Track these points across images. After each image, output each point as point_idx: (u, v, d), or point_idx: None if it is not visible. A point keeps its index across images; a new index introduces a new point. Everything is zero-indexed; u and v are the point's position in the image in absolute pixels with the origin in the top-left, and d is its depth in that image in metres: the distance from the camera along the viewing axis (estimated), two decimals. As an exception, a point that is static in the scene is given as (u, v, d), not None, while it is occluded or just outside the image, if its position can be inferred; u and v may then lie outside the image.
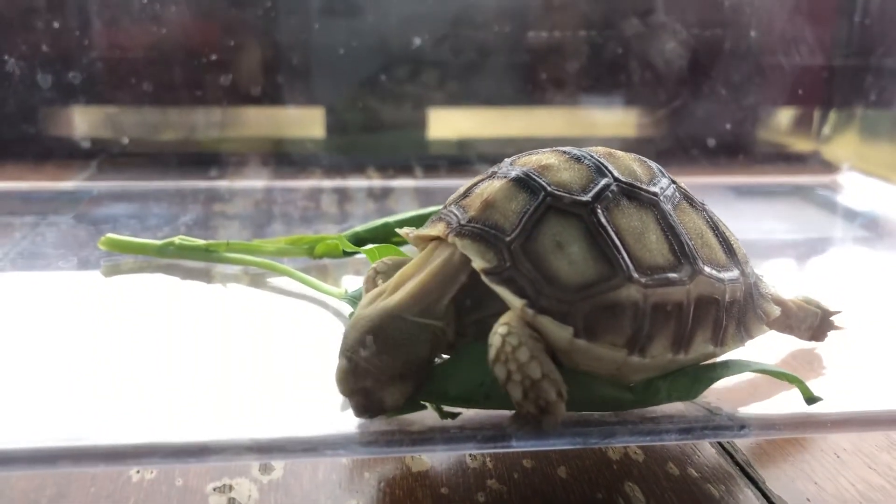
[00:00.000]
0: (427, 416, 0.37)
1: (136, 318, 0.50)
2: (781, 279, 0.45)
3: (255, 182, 0.82)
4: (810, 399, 0.38)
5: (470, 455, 0.40)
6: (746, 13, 0.87)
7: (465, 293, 0.37)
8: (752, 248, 0.43)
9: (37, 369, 0.43)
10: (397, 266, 0.40)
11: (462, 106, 0.92)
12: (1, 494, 0.36)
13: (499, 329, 0.34)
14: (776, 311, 0.41)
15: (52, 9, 0.78)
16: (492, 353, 0.34)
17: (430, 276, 0.37)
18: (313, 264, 0.58)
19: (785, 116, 0.95)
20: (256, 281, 0.56)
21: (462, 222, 0.37)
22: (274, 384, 0.42)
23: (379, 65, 0.86)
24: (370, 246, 0.48)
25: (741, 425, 0.38)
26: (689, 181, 0.42)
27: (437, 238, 0.38)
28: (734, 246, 0.41)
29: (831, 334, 0.47)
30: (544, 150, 0.40)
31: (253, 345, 0.47)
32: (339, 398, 0.40)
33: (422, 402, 0.36)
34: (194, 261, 0.57)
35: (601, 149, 0.40)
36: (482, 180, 0.39)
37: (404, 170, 0.88)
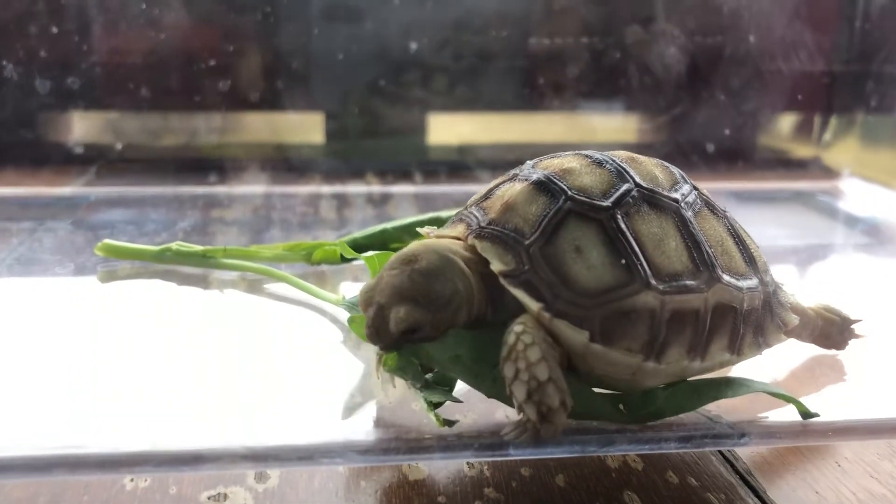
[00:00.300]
0: (424, 424, 0.37)
1: (132, 325, 0.50)
2: (783, 285, 0.45)
3: (253, 188, 0.82)
4: (806, 414, 0.38)
5: (468, 463, 0.39)
6: (747, 19, 0.87)
7: (488, 291, 0.37)
8: (757, 250, 0.42)
9: (32, 376, 0.43)
10: None
11: (462, 111, 0.92)
12: (-6, 503, 0.36)
13: (514, 327, 0.34)
14: (795, 320, 0.41)
15: (51, 14, 0.78)
16: (504, 350, 0.34)
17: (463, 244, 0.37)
18: (311, 270, 0.58)
19: (785, 122, 0.95)
20: (254, 287, 0.55)
21: (482, 224, 0.37)
22: (270, 391, 0.42)
23: (378, 70, 0.86)
24: (369, 253, 0.48)
25: (741, 434, 0.38)
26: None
27: (457, 239, 0.38)
28: (754, 254, 0.40)
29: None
30: (566, 153, 0.40)
31: (249, 351, 0.46)
32: (336, 405, 0.40)
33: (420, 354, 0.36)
34: (192, 267, 0.57)
35: (623, 153, 0.40)
36: (503, 182, 0.39)
37: (404, 175, 0.87)
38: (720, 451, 0.41)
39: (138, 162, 0.84)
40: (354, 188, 0.83)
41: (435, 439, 0.36)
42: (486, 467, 0.39)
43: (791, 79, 0.89)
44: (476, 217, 0.38)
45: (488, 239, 0.36)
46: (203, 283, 0.56)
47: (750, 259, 0.40)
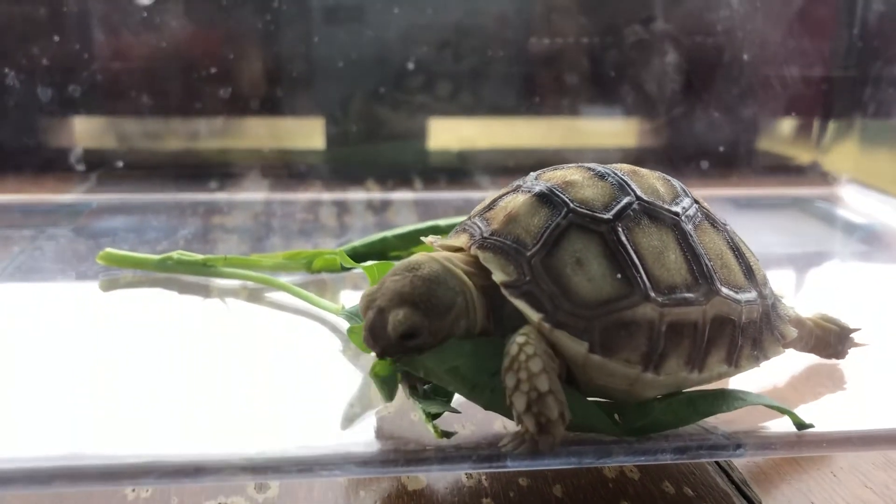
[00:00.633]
0: (423, 436, 0.37)
1: (133, 334, 0.50)
2: (781, 293, 0.45)
3: (254, 194, 0.82)
4: (801, 425, 0.38)
5: (466, 473, 0.40)
6: (746, 25, 0.87)
7: (489, 302, 0.38)
8: (754, 260, 0.43)
9: (32, 386, 0.43)
10: None
11: (462, 116, 0.93)
12: (-4, 514, 0.37)
13: (517, 338, 0.35)
14: (793, 333, 0.41)
15: (53, 21, 0.78)
16: (506, 361, 0.34)
17: (464, 256, 0.38)
18: (311, 279, 0.58)
19: (784, 127, 0.95)
20: (254, 296, 0.56)
21: (485, 235, 0.37)
22: (270, 401, 0.42)
23: (379, 75, 0.87)
24: (369, 262, 0.48)
25: (737, 445, 0.38)
26: (689, 193, 0.43)
27: (460, 249, 0.39)
28: (753, 267, 0.41)
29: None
30: (569, 165, 0.41)
31: (250, 361, 0.47)
32: (335, 415, 0.40)
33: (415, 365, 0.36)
34: (192, 275, 0.57)
35: (625, 166, 0.40)
36: (506, 193, 0.40)
37: (404, 182, 0.88)
38: (716, 461, 0.42)
39: (139, 168, 0.84)
40: (354, 195, 0.84)
41: (433, 451, 0.37)
42: (484, 478, 0.39)
43: (789, 84, 0.89)
44: (479, 227, 0.38)
45: (491, 250, 0.37)
46: (204, 291, 0.56)
47: (749, 272, 0.40)
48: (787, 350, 0.42)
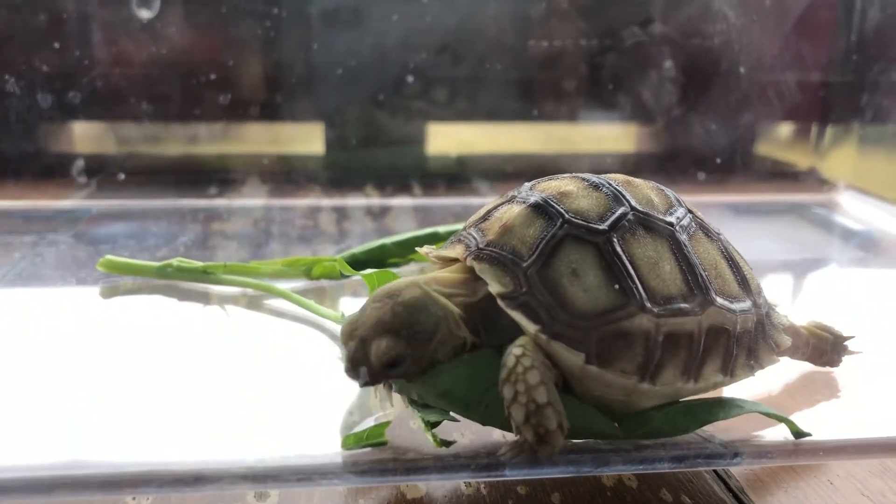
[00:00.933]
0: (422, 444, 0.38)
1: (133, 341, 0.50)
2: (778, 300, 0.45)
3: (253, 200, 0.83)
4: (798, 434, 0.39)
5: (465, 482, 0.40)
6: (744, 30, 0.88)
7: (483, 317, 0.38)
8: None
9: (32, 394, 0.43)
10: None
11: (461, 121, 0.93)
12: (-4, 523, 0.37)
13: (514, 350, 0.35)
14: (787, 341, 0.42)
15: (53, 27, 0.79)
16: (503, 373, 0.34)
17: (456, 278, 0.38)
18: (311, 286, 0.59)
19: (782, 133, 0.95)
20: (254, 303, 0.56)
21: (480, 246, 0.37)
22: (269, 409, 0.42)
23: (378, 81, 0.87)
24: (368, 271, 0.49)
25: (735, 453, 0.38)
26: (686, 200, 0.43)
27: (455, 260, 0.39)
28: (747, 276, 0.41)
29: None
30: (563, 175, 0.41)
31: (249, 368, 0.47)
32: (335, 423, 0.40)
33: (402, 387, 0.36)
34: (192, 282, 0.57)
35: (619, 176, 0.41)
36: (501, 204, 0.40)
37: (403, 188, 0.88)
38: (714, 470, 0.42)
39: (139, 174, 0.84)
40: (354, 201, 0.84)
41: (432, 459, 0.37)
42: (482, 486, 0.40)
43: (787, 90, 0.89)
44: (474, 238, 0.38)
45: (487, 261, 0.37)
46: (204, 298, 0.56)
47: (743, 281, 0.40)
48: (781, 358, 0.42)
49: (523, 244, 0.37)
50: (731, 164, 0.91)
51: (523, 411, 0.34)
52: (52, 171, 0.83)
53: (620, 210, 0.38)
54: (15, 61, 0.78)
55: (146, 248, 0.66)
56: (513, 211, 0.38)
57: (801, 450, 0.39)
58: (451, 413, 0.37)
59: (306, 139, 0.90)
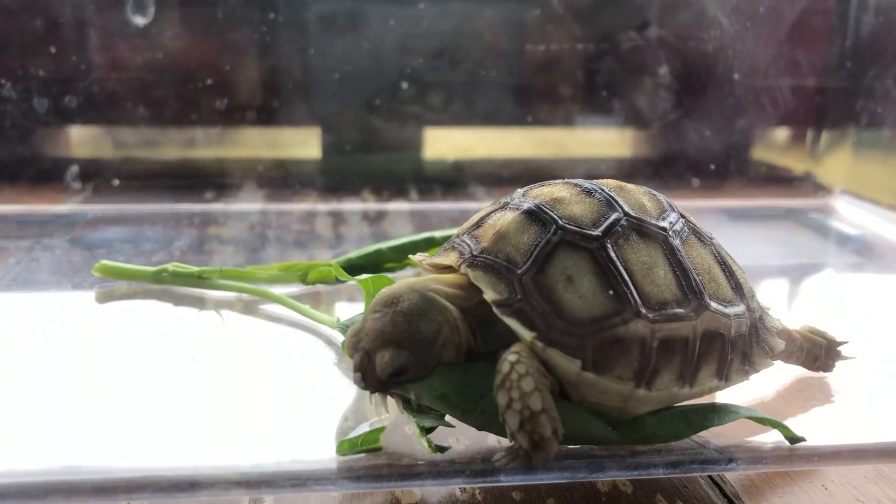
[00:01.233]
0: (417, 450, 0.38)
1: (127, 346, 0.50)
2: (774, 305, 0.45)
3: (249, 205, 0.83)
4: (792, 439, 0.39)
5: (460, 488, 0.40)
6: (739, 36, 0.88)
7: (478, 324, 0.38)
8: (746, 273, 0.43)
9: (26, 400, 0.43)
10: None
11: (458, 126, 0.93)
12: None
13: (508, 356, 0.35)
14: (781, 345, 0.42)
15: (49, 32, 0.79)
16: (498, 379, 0.34)
17: (453, 279, 0.38)
18: (306, 290, 0.59)
19: (777, 138, 0.96)
20: (250, 308, 0.56)
21: (474, 253, 0.37)
22: (265, 414, 0.42)
23: (375, 86, 0.87)
24: (364, 276, 0.49)
25: (729, 459, 0.38)
26: (681, 205, 0.43)
27: (449, 267, 0.39)
28: (741, 280, 0.41)
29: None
30: (556, 181, 0.41)
31: (244, 374, 0.47)
32: (330, 430, 0.40)
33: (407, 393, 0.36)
34: (188, 287, 0.57)
35: (612, 182, 0.41)
36: (494, 211, 0.40)
37: (399, 192, 0.88)
38: (709, 475, 0.42)
39: (135, 179, 0.84)
40: (350, 205, 0.84)
41: (427, 465, 0.37)
42: (477, 491, 0.40)
43: (783, 95, 0.89)
44: (468, 245, 0.38)
45: (481, 268, 0.37)
46: (199, 303, 0.56)
47: (737, 286, 0.40)
48: (775, 363, 0.42)
49: (517, 251, 0.37)
50: (727, 170, 0.91)
51: (518, 418, 0.34)
52: (48, 175, 0.82)
53: (614, 216, 0.38)
54: (11, 66, 0.78)
55: (142, 252, 0.66)
56: (506, 218, 0.38)
57: (796, 455, 0.39)
58: (447, 418, 0.37)
59: (303, 144, 0.90)
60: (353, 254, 0.60)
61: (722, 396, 0.42)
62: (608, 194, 0.39)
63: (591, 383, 0.35)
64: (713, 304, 0.38)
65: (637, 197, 0.40)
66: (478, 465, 0.37)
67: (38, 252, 0.66)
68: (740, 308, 0.40)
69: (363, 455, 0.37)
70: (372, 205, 0.85)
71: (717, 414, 0.38)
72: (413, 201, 0.86)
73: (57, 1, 0.78)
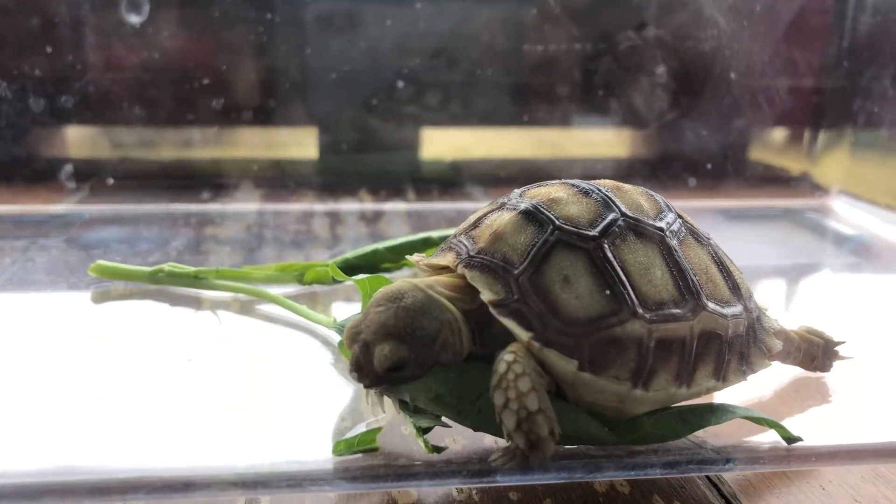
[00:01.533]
0: (413, 451, 0.38)
1: (123, 347, 0.50)
2: (771, 306, 0.45)
3: (246, 205, 0.83)
4: (789, 439, 0.39)
5: (456, 488, 0.40)
6: (736, 36, 0.88)
7: (475, 324, 0.38)
8: (743, 273, 0.43)
9: (21, 400, 0.43)
10: None
11: (455, 126, 0.93)
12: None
13: (505, 356, 0.35)
14: (778, 345, 0.42)
15: (45, 32, 0.78)
16: (495, 378, 0.34)
17: (452, 279, 0.38)
18: (303, 291, 0.58)
19: (774, 138, 0.96)
20: (246, 308, 0.56)
21: (471, 253, 0.37)
22: (261, 415, 0.42)
23: (372, 85, 0.87)
24: (361, 276, 0.48)
25: (727, 459, 0.38)
26: (678, 205, 0.43)
27: (446, 268, 0.39)
28: (738, 280, 0.41)
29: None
30: (553, 182, 0.41)
31: (241, 374, 0.47)
32: (326, 430, 0.40)
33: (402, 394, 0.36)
34: (184, 287, 0.57)
35: (609, 182, 0.41)
36: (491, 211, 0.40)
37: (396, 192, 0.88)
38: (706, 476, 0.42)
39: (132, 179, 0.84)
40: (347, 205, 0.84)
41: (423, 465, 0.37)
42: (474, 491, 0.40)
43: (780, 95, 0.89)
44: (465, 246, 0.38)
45: (478, 268, 0.37)
46: (195, 303, 0.56)
47: (734, 286, 0.40)
48: (772, 363, 0.42)
49: (514, 251, 0.37)
50: (724, 170, 0.91)
51: (514, 418, 0.34)
52: (44, 175, 0.82)
53: (611, 216, 0.38)
54: (7, 65, 0.78)
55: (138, 252, 0.66)
56: (503, 218, 0.38)
57: (794, 455, 0.39)
58: (443, 418, 0.37)
59: (300, 144, 0.90)
60: (350, 254, 0.60)
61: (719, 397, 0.42)
62: (605, 194, 0.39)
63: (587, 383, 0.35)
64: (710, 305, 0.38)
65: (634, 197, 0.40)
66: (475, 466, 0.36)
67: (34, 252, 0.66)
68: (737, 308, 0.40)
69: (360, 455, 0.37)
70: (369, 205, 0.84)
71: (713, 414, 0.38)
72: (410, 201, 0.86)
73: (53, 0, 0.78)
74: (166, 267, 0.57)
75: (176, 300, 0.56)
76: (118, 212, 0.78)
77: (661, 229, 0.39)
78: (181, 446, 0.39)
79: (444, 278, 0.38)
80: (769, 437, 0.40)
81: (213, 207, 0.81)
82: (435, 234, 0.61)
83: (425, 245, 0.60)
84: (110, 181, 0.82)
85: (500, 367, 0.34)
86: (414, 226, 0.77)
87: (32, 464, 0.37)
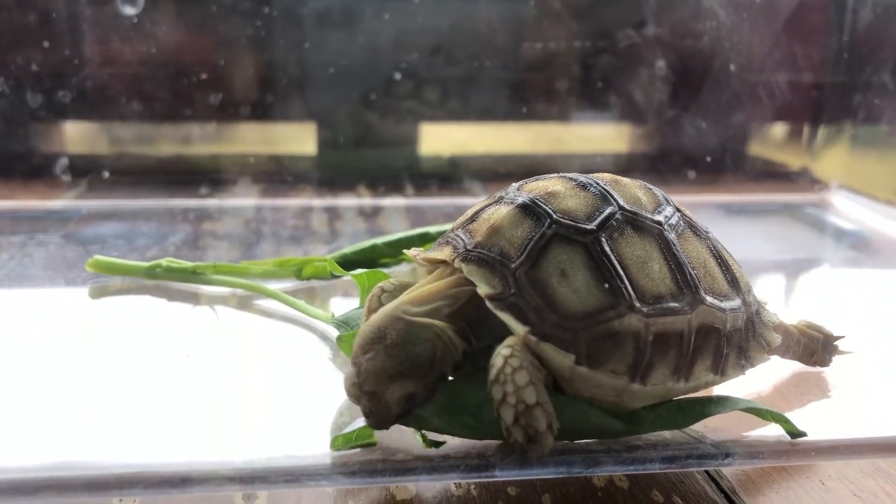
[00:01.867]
0: (411, 445, 0.37)
1: (121, 342, 0.50)
2: (770, 300, 0.45)
3: (244, 200, 0.82)
4: (793, 433, 0.38)
5: (455, 483, 0.40)
6: (736, 31, 0.88)
7: (471, 319, 0.37)
8: (742, 268, 0.43)
9: (18, 395, 0.43)
10: (404, 287, 0.40)
11: (454, 121, 0.93)
12: (-19, 525, 0.36)
13: (502, 351, 0.34)
14: (777, 339, 0.42)
15: (43, 27, 0.78)
16: (492, 373, 0.34)
17: (436, 287, 0.37)
18: (301, 286, 0.58)
19: (774, 133, 0.95)
20: (244, 303, 0.56)
21: (468, 247, 0.37)
22: (259, 410, 0.42)
23: (370, 81, 0.87)
24: (359, 271, 0.48)
25: (726, 453, 0.38)
26: (678, 200, 0.43)
27: (443, 262, 0.38)
28: (736, 274, 0.41)
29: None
30: (551, 175, 0.40)
31: (239, 369, 0.46)
32: (324, 425, 0.40)
33: (421, 423, 0.36)
34: (182, 282, 0.57)
35: (607, 175, 0.40)
36: (489, 205, 0.40)
37: (395, 188, 0.88)
38: (705, 470, 0.42)
39: (130, 174, 0.84)
40: (346, 201, 0.84)
41: (422, 460, 0.36)
42: (472, 487, 0.39)
43: (780, 90, 0.89)
44: (462, 240, 0.38)
45: (475, 262, 0.36)
46: (193, 299, 0.56)
47: (732, 280, 0.40)
48: (771, 357, 0.42)
49: (511, 245, 0.37)
50: (723, 165, 0.91)
51: (512, 412, 0.34)
52: (41, 171, 0.82)
53: (608, 209, 0.38)
54: (3, 60, 0.77)
55: (136, 248, 0.66)
56: (500, 212, 0.38)
57: (793, 450, 0.39)
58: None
59: (298, 139, 0.90)
60: (348, 249, 0.60)
61: (718, 391, 0.41)
62: (603, 188, 0.39)
63: (584, 378, 0.35)
64: (709, 299, 0.38)
65: (632, 191, 0.40)
66: (473, 461, 0.36)
67: (32, 248, 0.66)
68: (736, 302, 0.39)
69: (357, 450, 0.37)
70: (367, 200, 0.84)
71: (715, 404, 0.38)
72: (408, 197, 0.86)
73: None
74: (164, 262, 0.57)
75: (174, 295, 0.56)
76: (116, 207, 0.78)
77: (659, 223, 0.39)
78: (178, 441, 0.39)
79: (417, 293, 0.37)
80: (769, 432, 0.39)
81: (212, 203, 0.81)
82: (433, 229, 0.61)
83: (423, 240, 0.60)
84: (104, 175, 0.82)
85: (497, 361, 0.34)
86: (412, 221, 0.77)
87: (30, 459, 0.37)
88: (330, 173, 0.89)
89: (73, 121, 0.84)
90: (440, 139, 0.93)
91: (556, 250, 0.36)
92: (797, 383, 0.46)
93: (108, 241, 0.68)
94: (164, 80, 0.82)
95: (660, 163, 0.92)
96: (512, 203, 0.38)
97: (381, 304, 0.40)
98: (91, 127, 0.85)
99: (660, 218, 0.39)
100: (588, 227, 0.37)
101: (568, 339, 0.35)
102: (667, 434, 0.38)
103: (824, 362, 0.47)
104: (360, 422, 0.40)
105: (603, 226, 0.37)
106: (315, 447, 0.38)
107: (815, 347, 0.46)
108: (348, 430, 0.38)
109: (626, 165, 0.94)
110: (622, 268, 0.36)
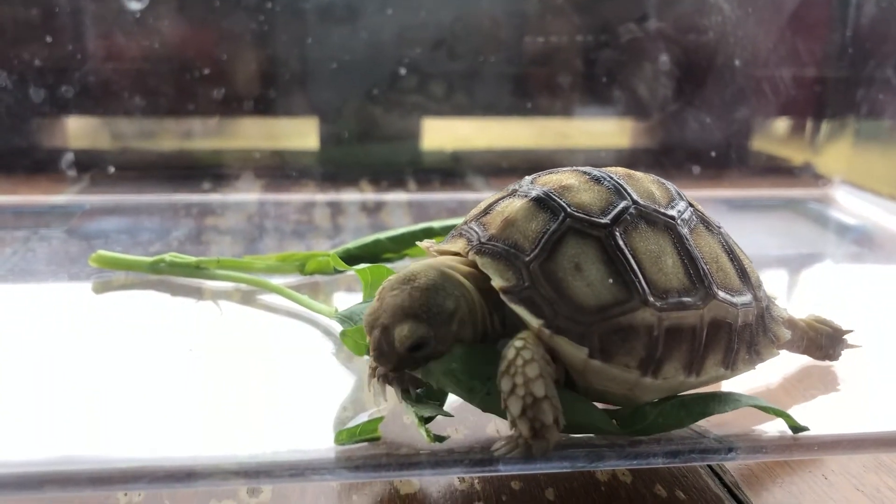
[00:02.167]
0: (415, 440, 0.37)
1: (125, 337, 0.50)
2: (775, 295, 0.45)
3: (247, 195, 0.82)
4: (796, 428, 0.39)
5: (458, 477, 0.40)
6: (740, 26, 0.87)
7: (495, 307, 0.37)
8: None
9: (23, 390, 0.43)
10: None
11: (456, 116, 0.93)
12: (-13, 519, 0.36)
13: (515, 342, 0.35)
14: (787, 334, 0.42)
15: (45, 22, 0.78)
16: (503, 364, 0.34)
17: (464, 261, 0.38)
18: (304, 281, 0.58)
19: (777, 128, 0.95)
20: (247, 298, 0.56)
21: (482, 240, 0.37)
22: (263, 404, 0.42)
23: (373, 76, 0.87)
24: (362, 266, 0.48)
25: (729, 448, 0.38)
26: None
27: (456, 254, 0.39)
28: (748, 269, 0.41)
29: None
30: (564, 169, 0.40)
31: (242, 364, 0.47)
32: (328, 418, 0.40)
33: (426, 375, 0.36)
34: (185, 277, 0.57)
35: (620, 170, 0.40)
36: (503, 198, 0.40)
37: (398, 183, 0.88)
38: (709, 465, 0.42)
39: (133, 169, 0.84)
40: (348, 196, 0.84)
41: (425, 455, 0.37)
42: (476, 481, 0.39)
43: (783, 85, 0.89)
44: (476, 232, 0.38)
45: (489, 255, 0.37)
46: (197, 294, 0.56)
47: (744, 275, 0.40)
48: (780, 352, 0.42)
49: (525, 238, 0.37)
50: (727, 160, 0.91)
51: (520, 404, 0.34)
52: (44, 166, 0.82)
53: (622, 204, 0.38)
54: (7, 55, 0.77)
55: (139, 243, 0.66)
56: (514, 205, 0.38)
57: (796, 445, 0.39)
58: (445, 407, 0.37)
59: (301, 134, 0.90)
60: (352, 244, 0.60)
61: (726, 385, 0.42)
62: (617, 182, 0.39)
63: (597, 371, 0.35)
64: (721, 294, 0.38)
65: (646, 185, 0.40)
66: (477, 455, 0.36)
67: (35, 242, 0.66)
68: (747, 297, 0.39)
69: (361, 445, 0.37)
70: (370, 195, 0.84)
71: (718, 402, 0.38)
72: (411, 192, 0.86)
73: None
74: (167, 257, 0.57)
75: (177, 290, 0.56)
76: (119, 202, 0.78)
77: (672, 217, 0.39)
78: (183, 436, 0.39)
79: (459, 259, 0.38)
80: (772, 427, 0.40)
81: (215, 197, 0.81)
82: (436, 224, 0.61)
83: (426, 235, 0.60)
84: (110, 170, 0.82)
85: (509, 352, 0.34)
86: (415, 216, 0.77)
87: (34, 453, 0.37)
88: (333, 168, 0.89)
89: (76, 116, 0.84)
90: (443, 134, 0.93)
91: (570, 244, 0.36)
92: (801, 378, 0.46)
93: (112, 236, 0.68)
94: (167, 75, 0.82)
95: (663, 158, 0.92)
96: (526, 196, 0.38)
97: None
98: (94, 122, 0.85)
99: (673, 213, 0.39)
100: (602, 221, 0.37)
101: (581, 332, 0.35)
102: (670, 428, 0.38)
103: (832, 356, 0.47)
104: (364, 416, 0.40)
105: (617, 220, 0.37)
106: (319, 441, 0.38)
107: (822, 342, 0.46)
108: (352, 424, 0.38)
109: (629, 160, 0.93)
110: (636, 262, 0.36)
